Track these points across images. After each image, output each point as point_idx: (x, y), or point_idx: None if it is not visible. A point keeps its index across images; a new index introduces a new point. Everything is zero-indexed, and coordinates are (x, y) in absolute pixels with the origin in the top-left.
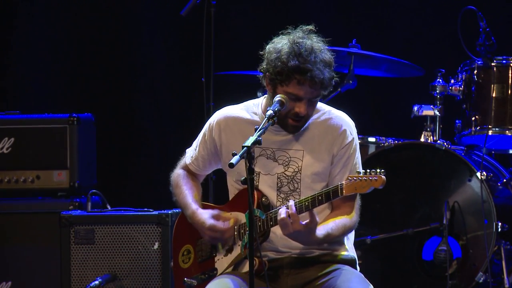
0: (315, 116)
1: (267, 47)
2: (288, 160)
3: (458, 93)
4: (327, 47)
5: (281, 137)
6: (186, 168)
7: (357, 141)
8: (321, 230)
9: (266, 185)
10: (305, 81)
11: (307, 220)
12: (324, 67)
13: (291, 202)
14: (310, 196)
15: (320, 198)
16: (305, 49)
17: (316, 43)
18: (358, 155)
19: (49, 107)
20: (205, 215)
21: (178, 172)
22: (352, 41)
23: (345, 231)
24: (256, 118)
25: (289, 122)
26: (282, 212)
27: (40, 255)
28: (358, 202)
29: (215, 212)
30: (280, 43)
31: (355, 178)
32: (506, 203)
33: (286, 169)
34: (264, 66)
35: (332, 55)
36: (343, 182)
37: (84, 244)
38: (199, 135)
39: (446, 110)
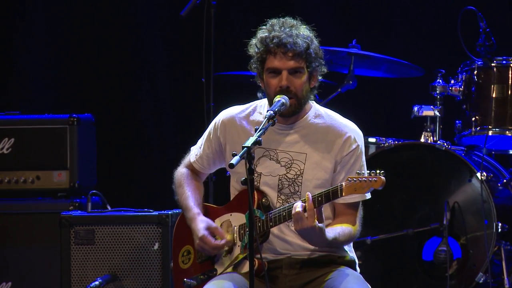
0: (320, 120)
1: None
2: (290, 162)
3: (458, 94)
4: (308, 29)
5: (285, 138)
6: (190, 166)
7: (362, 149)
8: (330, 233)
9: (267, 186)
10: (276, 49)
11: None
12: (297, 36)
13: (309, 196)
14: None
15: (320, 199)
16: (277, 24)
17: (290, 21)
18: (363, 162)
19: (49, 107)
20: (202, 224)
21: (181, 171)
22: (352, 41)
23: (349, 239)
24: (262, 118)
25: None
26: (298, 206)
27: (40, 256)
28: (360, 212)
29: (212, 224)
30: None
31: (354, 179)
32: (506, 204)
33: (288, 171)
34: (251, 61)
35: (314, 35)
36: (343, 183)
37: (84, 244)
38: (204, 133)
39: (446, 110)
